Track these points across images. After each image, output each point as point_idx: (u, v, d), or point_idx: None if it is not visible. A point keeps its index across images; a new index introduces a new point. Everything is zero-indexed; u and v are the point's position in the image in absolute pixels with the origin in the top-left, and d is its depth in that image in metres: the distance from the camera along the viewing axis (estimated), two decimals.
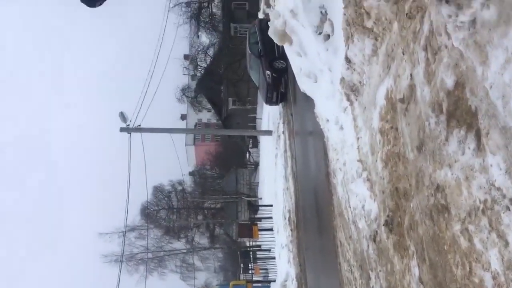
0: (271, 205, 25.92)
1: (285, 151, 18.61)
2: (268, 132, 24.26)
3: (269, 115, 26.04)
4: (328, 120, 8.62)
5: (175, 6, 35.72)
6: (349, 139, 7.18)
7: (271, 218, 26.14)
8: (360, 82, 6.52)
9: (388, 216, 5.25)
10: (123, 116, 18.84)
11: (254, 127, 38.27)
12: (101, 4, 3.21)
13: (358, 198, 6.65)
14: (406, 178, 4.56)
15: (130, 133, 19.28)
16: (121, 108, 19.42)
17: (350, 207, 7.22)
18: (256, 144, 41.98)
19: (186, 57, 45.46)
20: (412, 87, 4.24)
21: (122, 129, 19.22)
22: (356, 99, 6.73)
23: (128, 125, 19.09)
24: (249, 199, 36.35)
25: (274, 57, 16.47)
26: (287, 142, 17.98)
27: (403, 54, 4.48)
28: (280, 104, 19.05)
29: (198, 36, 42.43)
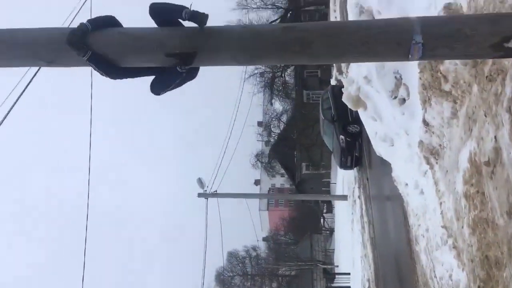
0: (348, 273, 24.87)
1: (362, 216, 18.08)
2: (343, 197, 23.81)
3: (344, 180, 25.68)
4: (407, 184, 8.40)
5: (250, 76, 37.55)
6: (431, 204, 6.92)
7: (349, 287, 24.97)
8: (440, 145, 6.39)
9: (479, 287, 4.91)
10: (201, 182, 19.50)
11: (328, 192, 37.75)
12: (166, 91, 3.45)
13: (445, 267, 6.28)
14: (497, 246, 4.30)
15: (207, 199, 19.81)
16: (198, 174, 20.18)
17: (436, 277, 6.81)
18: (330, 209, 41.17)
19: (260, 124, 46.82)
20: (497, 150, 4.12)
21: (199, 195, 19.83)
22: (437, 162, 6.55)
23: (205, 190, 19.68)
24: (325, 266, 35.16)
25: (348, 122, 16.52)
26: (364, 207, 17.51)
27: (486, 116, 4.40)
28: (355, 168, 18.81)
29: (271, 104, 43.85)
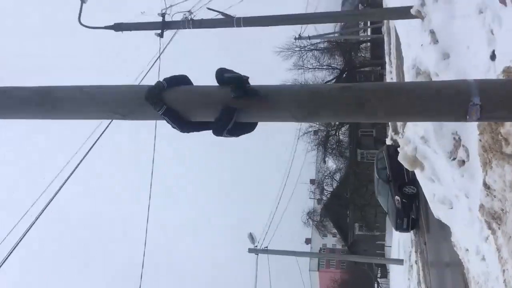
0: None
1: (419, 283, 17.15)
2: (399, 261, 22.77)
3: (400, 243, 24.65)
4: (467, 250, 8.02)
5: (304, 134, 37.88)
6: (493, 272, 6.56)
7: None
8: (502, 210, 6.14)
9: None
10: (252, 237, 19.44)
11: (382, 255, 36.22)
12: (226, 133, 3.69)
13: None
14: None
15: (258, 255, 19.63)
16: (249, 228, 20.16)
17: None
18: (385, 273, 39.27)
19: (312, 181, 46.51)
20: None
21: (250, 250, 19.71)
22: (499, 228, 6.27)
23: (256, 246, 19.56)
24: None
25: (404, 182, 16.14)
26: (421, 273, 16.65)
27: None
28: (412, 231, 18.10)
29: (325, 162, 43.68)
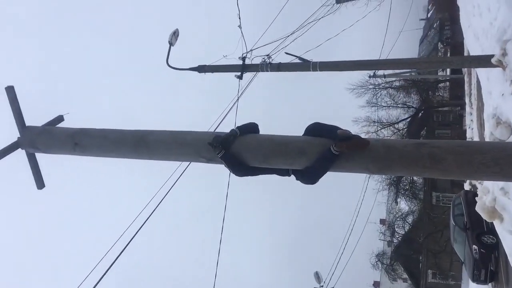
0: None
1: None
2: None
3: None
4: None
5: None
6: None
7: None
8: None
9: None
10: (317, 276, 19.11)
11: None
12: (321, 176, 3.95)
13: None
14: None
15: None
16: (315, 267, 19.87)
17: None
18: None
19: (382, 221, 44.96)
20: None
21: None
22: None
23: (322, 286, 19.20)
24: None
25: (482, 231, 15.31)
26: None
27: None
28: (490, 283, 16.97)
29: (396, 203, 42.17)
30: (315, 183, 4.00)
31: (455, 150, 3.48)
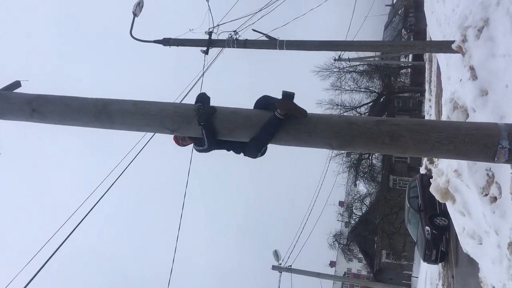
0: None
1: None
2: None
3: (427, 275, 24.11)
4: (494, 287, 7.94)
5: (336, 155, 37.73)
6: None
7: None
8: None
9: None
10: (276, 255, 19.49)
11: (408, 286, 35.41)
12: (262, 154, 3.98)
13: None
14: None
15: (281, 273, 19.65)
16: (274, 246, 20.19)
17: None
18: None
19: (341, 203, 46.09)
20: None
21: (274, 267, 19.76)
22: None
23: (280, 264, 19.60)
24: None
25: (435, 213, 15.92)
26: None
27: None
28: (440, 263, 17.74)
29: (355, 185, 43.25)
30: (260, 153, 4.03)
31: (413, 128, 3.59)
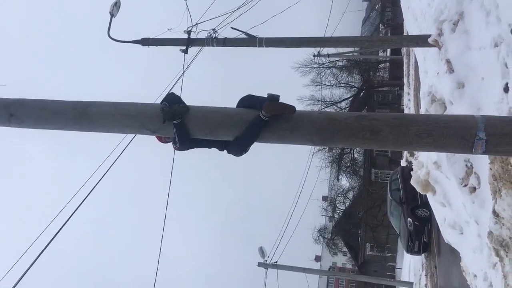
0: None
1: None
2: (409, 284, 22.59)
3: (410, 265, 24.49)
4: (475, 276, 8.11)
5: (318, 151, 37.99)
6: None
7: None
8: (510, 238, 6.27)
9: None
10: (262, 252, 19.53)
11: (393, 277, 35.86)
12: (246, 152, 4.02)
13: None
14: None
15: (267, 269, 19.70)
16: (260, 243, 20.24)
17: None
18: None
19: (324, 198, 46.41)
20: None
21: (260, 264, 19.80)
22: (507, 255, 6.40)
23: (266, 260, 19.64)
24: None
25: (417, 205, 16.16)
26: None
27: None
28: (423, 254, 18.03)
29: (338, 179, 43.63)
30: (244, 152, 4.05)
31: (392, 123, 3.64)
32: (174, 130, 3.87)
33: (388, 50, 38.93)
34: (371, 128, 3.64)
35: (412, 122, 3.60)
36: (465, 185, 7.64)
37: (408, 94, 24.71)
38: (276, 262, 20.18)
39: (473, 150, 3.41)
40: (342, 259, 51.28)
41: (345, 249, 45.69)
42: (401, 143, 3.62)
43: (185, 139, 3.94)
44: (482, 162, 6.94)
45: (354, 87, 42.59)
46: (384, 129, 3.61)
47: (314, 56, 27.57)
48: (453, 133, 3.45)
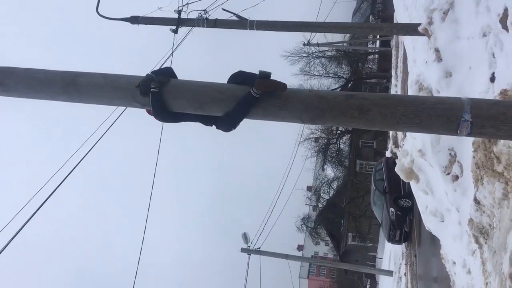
0: None
1: None
2: (389, 272, 22.99)
3: (391, 254, 24.89)
4: (454, 263, 8.29)
5: (305, 140, 38.15)
6: (477, 284, 6.83)
7: None
8: (490, 225, 6.41)
9: None
10: (245, 237, 19.66)
11: (373, 267, 36.45)
12: (235, 128, 4.07)
13: None
14: None
15: (250, 255, 19.86)
16: (243, 229, 20.34)
17: None
18: (374, 285, 39.46)
19: (309, 188, 46.73)
20: None
21: (243, 250, 19.94)
22: (486, 242, 6.54)
23: (249, 246, 19.79)
24: None
25: (400, 195, 16.38)
26: (409, 285, 16.87)
27: None
28: (404, 244, 18.32)
29: (323, 169, 43.91)
30: (233, 128, 4.06)
31: (380, 102, 3.67)
32: (150, 98, 3.86)
33: (377, 42, 39.09)
34: (360, 107, 3.67)
35: (400, 103, 3.65)
36: (448, 173, 7.77)
37: (396, 86, 24.88)
38: (259, 248, 20.35)
39: (458, 131, 3.47)
40: (324, 249, 51.88)
41: (327, 238, 46.16)
42: (389, 123, 3.66)
43: (159, 111, 3.93)
44: (466, 151, 7.06)
45: (343, 77, 42.72)
46: (372, 108, 3.64)
47: (304, 44, 27.58)
48: (440, 114, 3.50)
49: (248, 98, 3.74)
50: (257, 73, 3.85)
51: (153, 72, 4.02)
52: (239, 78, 3.99)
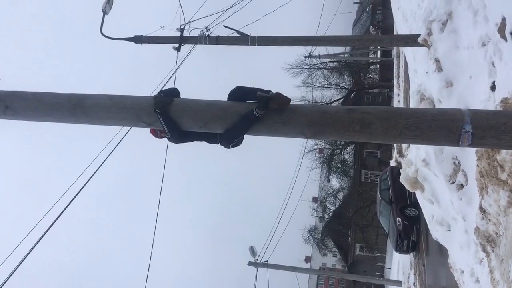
0: None
1: None
2: (398, 283, 22.80)
3: (399, 264, 24.70)
4: (463, 272, 8.26)
5: (309, 152, 38.17)
6: None
7: None
8: (496, 233, 6.41)
9: None
10: (252, 251, 19.61)
11: (382, 277, 36.12)
12: (236, 146, 4.09)
13: None
14: None
15: (257, 268, 19.78)
16: (250, 242, 20.30)
17: None
18: None
19: (315, 199, 46.59)
20: None
21: (250, 263, 19.88)
22: (493, 251, 6.53)
23: (257, 259, 19.73)
24: None
25: (406, 205, 16.33)
26: None
27: None
28: (411, 253, 18.21)
29: (328, 180, 43.81)
30: (232, 144, 4.12)
31: (382, 116, 3.73)
32: (160, 120, 3.94)
33: (379, 52, 39.24)
34: (362, 121, 3.73)
35: (401, 115, 3.70)
36: (453, 182, 7.78)
37: (398, 95, 24.94)
38: (267, 261, 20.28)
39: (460, 142, 3.52)
40: (332, 260, 51.48)
41: (335, 249, 45.85)
42: (391, 135, 3.72)
43: (173, 130, 4.00)
44: (470, 159, 7.08)
45: (345, 88, 42.82)
46: (374, 122, 3.70)
47: (305, 57, 27.74)
48: (441, 126, 3.55)
49: (250, 117, 3.82)
50: (255, 88, 3.94)
51: (162, 92, 4.12)
52: (238, 94, 4.07)
